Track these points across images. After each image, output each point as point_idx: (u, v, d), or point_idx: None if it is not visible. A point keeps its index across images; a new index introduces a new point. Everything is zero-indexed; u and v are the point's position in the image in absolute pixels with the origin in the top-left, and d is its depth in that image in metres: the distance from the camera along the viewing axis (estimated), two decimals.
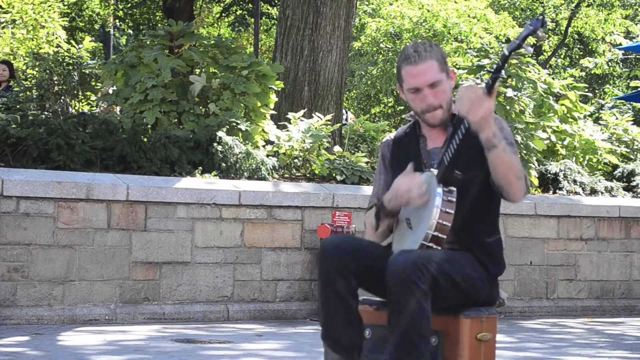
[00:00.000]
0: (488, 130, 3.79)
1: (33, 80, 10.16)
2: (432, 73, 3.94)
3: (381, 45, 23.09)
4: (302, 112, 10.38)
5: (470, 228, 3.96)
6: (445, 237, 3.81)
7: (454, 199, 3.82)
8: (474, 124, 3.77)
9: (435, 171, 3.88)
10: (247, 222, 8.78)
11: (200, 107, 9.97)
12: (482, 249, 3.99)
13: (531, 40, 3.78)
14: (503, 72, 3.83)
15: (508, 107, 11.13)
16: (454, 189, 3.84)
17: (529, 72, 11.55)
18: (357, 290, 3.91)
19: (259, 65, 10.11)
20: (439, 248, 3.81)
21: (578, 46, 29.86)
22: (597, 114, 21.22)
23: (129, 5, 22.90)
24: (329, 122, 10.48)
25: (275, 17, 21.94)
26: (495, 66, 3.84)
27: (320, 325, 3.96)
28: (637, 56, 28.69)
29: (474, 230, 3.98)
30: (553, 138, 11.43)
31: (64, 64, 9.98)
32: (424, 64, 3.93)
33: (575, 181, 10.93)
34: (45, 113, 9.19)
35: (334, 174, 9.83)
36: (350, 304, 3.89)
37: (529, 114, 11.31)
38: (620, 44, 25.28)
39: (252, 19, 20.93)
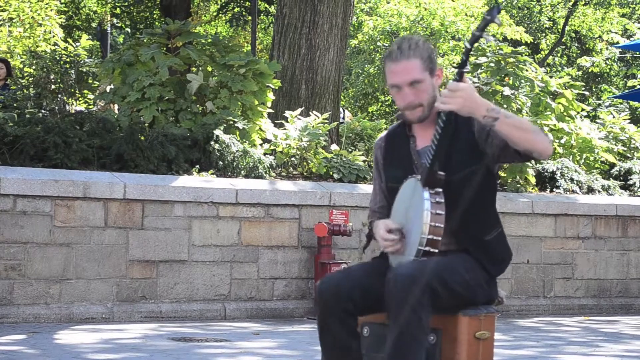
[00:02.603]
0: (480, 108, 3.73)
1: (30, 79, 10.14)
2: (413, 72, 3.89)
3: (378, 43, 23.10)
4: (299, 110, 10.38)
5: (467, 227, 3.93)
6: (439, 238, 3.79)
7: (442, 200, 3.82)
8: (462, 110, 3.74)
9: (418, 176, 3.88)
10: (244, 221, 8.78)
11: (198, 106, 9.97)
12: (481, 248, 3.96)
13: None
14: (468, 65, 3.83)
15: (505, 106, 11.13)
16: (440, 190, 3.83)
17: (526, 70, 11.56)
18: (356, 328, 3.92)
19: (256, 63, 10.11)
20: (436, 250, 3.79)
21: (575, 45, 29.87)
22: (594, 113, 21.23)
23: (126, 3, 22.88)
24: (326, 121, 10.48)
25: (273, 14, 21.94)
26: (460, 62, 3.82)
27: None
28: (634, 55, 28.71)
29: (471, 229, 3.95)
30: (550, 136, 11.42)
31: (61, 62, 9.97)
32: (405, 62, 3.89)
33: (572, 180, 10.93)
34: (43, 111, 9.18)
35: (331, 173, 9.83)
36: (351, 346, 3.90)
37: (526, 112, 11.32)
38: (618, 43, 25.29)
39: (250, 17, 20.94)
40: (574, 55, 29.85)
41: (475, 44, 3.85)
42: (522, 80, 11.34)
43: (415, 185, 3.88)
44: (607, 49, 27.84)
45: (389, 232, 3.90)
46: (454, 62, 20.74)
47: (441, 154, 3.83)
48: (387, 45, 22.64)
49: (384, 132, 4.24)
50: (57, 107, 9.52)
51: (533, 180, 10.71)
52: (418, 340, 3.69)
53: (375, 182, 4.23)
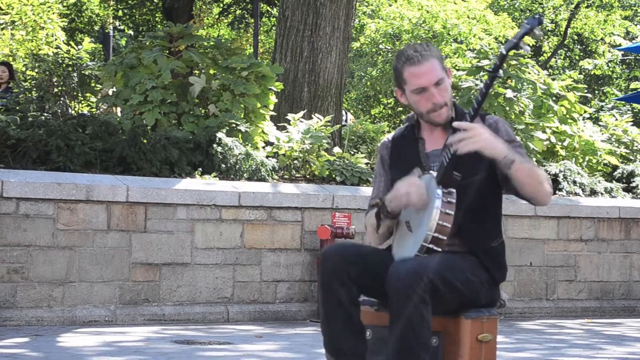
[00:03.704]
0: (499, 151, 3.79)
1: (33, 82, 10.15)
2: (436, 71, 3.95)
3: (380, 46, 23.10)
4: (301, 113, 10.38)
5: (475, 232, 3.96)
6: (445, 238, 3.80)
7: (454, 200, 3.82)
8: (485, 150, 3.78)
9: (434, 173, 3.89)
10: (247, 223, 8.78)
11: (200, 108, 9.97)
12: (487, 254, 3.99)
13: (528, 40, 3.79)
14: (501, 71, 3.83)
15: (507, 108, 11.13)
16: (454, 190, 3.84)
17: (529, 73, 11.56)
18: (358, 298, 3.92)
19: (259, 66, 10.11)
20: (439, 249, 3.81)
21: (578, 47, 29.86)
22: (596, 115, 21.23)
23: (129, 6, 22.89)
24: (329, 123, 10.48)
25: (275, 16, 21.95)
26: (492, 66, 3.84)
27: (322, 335, 3.96)
28: (637, 57, 28.69)
29: (478, 233, 3.98)
30: (553, 139, 11.43)
31: (64, 65, 9.97)
32: (427, 63, 3.94)
33: (575, 182, 10.93)
34: (45, 114, 9.19)
35: (333, 175, 9.83)
36: (351, 313, 3.90)
37: (529, 115, 11.32)
38: (620, 45, 25.29)
39: (252, 20, 20.95)
40: (577, 57, 29.84)
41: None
42: (525, 83, 11.34)
43: (430, 181, 3.89)
44: (609, 51, 27.83)
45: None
46: (455, 65, 20.75)
47: (461, 156, 3.84)
48: (389, 47, 22.65)
49: (391, 134, 4.26)
50: (59, 110, 9.53)
51: None
52: (421, 338, 3.70)
53: (377, 179, 4.24)
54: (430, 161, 4.03)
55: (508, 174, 3.83)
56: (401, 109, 21.82)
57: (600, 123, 13.57)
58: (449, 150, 3.84)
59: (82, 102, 10.45)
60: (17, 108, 9.26)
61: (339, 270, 3.86)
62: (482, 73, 11.51)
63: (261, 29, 23.19)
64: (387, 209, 3.99)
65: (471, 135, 3.75)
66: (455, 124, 3.79)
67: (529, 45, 3.83)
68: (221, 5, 23.57)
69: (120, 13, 23.52)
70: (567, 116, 11.93)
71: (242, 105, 9.98)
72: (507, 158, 3.79)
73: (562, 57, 30.21)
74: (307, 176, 9.88)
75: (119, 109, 10.77)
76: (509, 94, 11.09)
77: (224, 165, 9.19)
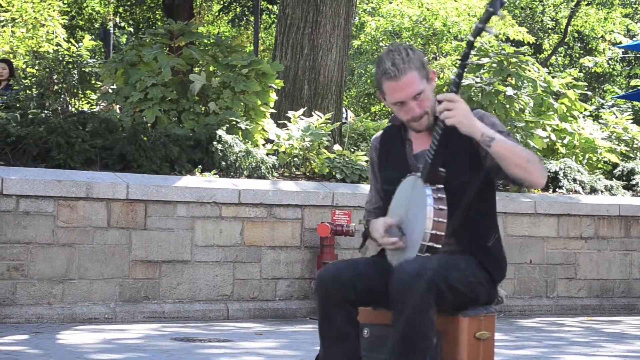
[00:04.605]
0: (476, 127, 3.77)
1: (33, 79, 10.15)
2: (414, 85, 3.88)
3: (381, 43, 23.11)
4: (302, 110, 10.38)
5: (470, 232, 3.94)
6: (442, 233, 3.80)
7: (444, 196, 3.82)
8: (461, 125, 3.76)
9: (418, 174, 3.89)
10: (247, 221, 8.78)
11: (200, 106, 9.97)
12: (484, 253, 3.98)
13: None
14: (470, 58, 3.82)
15: (508, 106, 11.14)
16: (441, 186, 3.84)
17: (529, 70, 11.56)
18: (356, 318, 3.93)
19: (259, 63, 10.11)
20: (439, 246, 3.80)
21: (578, 45, 29.85)
22: (596, 113, 21.21)
23: (129, 3, 22.89)
24: (329, 121, 10.48)
25: (275, 13, 21.94)
26: (462, 54, 3.83)
27: (320, 349, 3.98)
28: (637, 55, 28.68)
29: (472, 234, 3.95)
30: (553, 137, 11.43)
31: (64, 62, 9.97)
32: (404, 78, 3.87)
33: (575, 180, 10.93)
34: (45, 112, 9.19)
35: (333, 173, 9.84)
36: (349, 334, 3.91)
37: (529, 113, 11.32)
38: (620, 43, 25.27)
39: (253, 17, 20.93)
40: (577, 55, 29.83)
41: (478, 38, 3.85)
42: (525, 81, 11.34)
43: (415, 182, 3.88)
44: (609, 49, 27.82)
45: (387, 232, 3.91)
46: (456, 62, 20.74)
47: (442, 152, 3.83)
48: (388, 46, 22.64)
49: (379, 133, 4.23)
50: (59, 108, 9.53)
51: None
52: (424, 337, 3.70)
53: (371, 182, 4.25)
54: (418, 162, 4.00)
55: (491, 154, 3.78)
56: None
57: (601, 121, 13.57)
58: (431, 149, 3.83)
59: (83, 99, 10.45)
60: (18, 105, 9.26)
61: (335, 296, 3.86)
62: (482, 70, 11.52)
63: (261, 26, 23.18)
64: (372, 236, 4.03)
65: (453, 107, 3.74)
66: (440, 96, 3.78)
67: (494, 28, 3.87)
68: (221, 2, 23.56)
69: (120, 10, 23.52)
70: (568, 114, 11.93)
71: (242, 103, 9.98)
72: (485, 135, 3.75)
73: (562, 55, 30.19)
74: (307, 174, 9.88)
75: (118, 106, 10.77)
76: (509, 91, 11.09)
77: (224, 163, 9.19)
